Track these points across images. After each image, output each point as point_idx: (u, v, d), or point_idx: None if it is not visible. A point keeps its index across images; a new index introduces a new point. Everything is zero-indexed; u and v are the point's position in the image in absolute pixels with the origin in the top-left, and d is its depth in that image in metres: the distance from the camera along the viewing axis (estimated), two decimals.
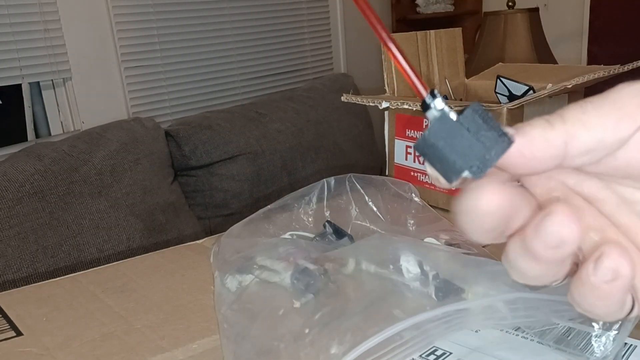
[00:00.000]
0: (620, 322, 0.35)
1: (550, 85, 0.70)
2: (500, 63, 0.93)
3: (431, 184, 0.74)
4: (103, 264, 0.66)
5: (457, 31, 0.87)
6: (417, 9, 2.71)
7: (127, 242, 1.42)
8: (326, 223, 0.60)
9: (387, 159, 0.80)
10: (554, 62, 1.90)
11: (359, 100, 0.71)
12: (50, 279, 0.63)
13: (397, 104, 0.66)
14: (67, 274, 0.64)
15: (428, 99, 0.22)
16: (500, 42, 1.90)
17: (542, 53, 1.89)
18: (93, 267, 0.65)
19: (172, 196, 1.59)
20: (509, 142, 0.21)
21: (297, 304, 0.45)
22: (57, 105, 1.75)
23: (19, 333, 0.51)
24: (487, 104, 0.65)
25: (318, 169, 1.90)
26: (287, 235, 0.60)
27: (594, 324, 0.37)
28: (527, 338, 0.41)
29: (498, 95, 0.77)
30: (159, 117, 1.89)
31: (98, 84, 1.78)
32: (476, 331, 0.43)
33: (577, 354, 0.38)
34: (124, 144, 1.51)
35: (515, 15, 1.89)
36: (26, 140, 1.68)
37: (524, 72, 0.84)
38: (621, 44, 2.29)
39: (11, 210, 1.25)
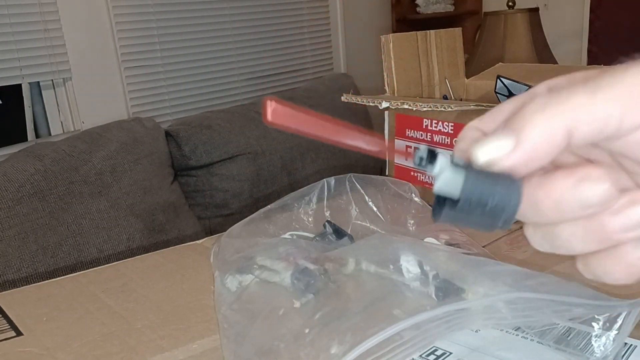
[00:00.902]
0: (620, 322, 0.35)
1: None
2: (500, 63, 0.93)
3: (431, 184, 0.74)
4: (103, 264, 0.66)
5: (457, 31, 0.87)
6: (417, 9, 2.71)
7: (127, 242, 1.42)
8: (326, 223, 0.60)
9: (387, 159, 0.80)
10: (554, 62, 1.90)
11: (359, 100, 0.71)
12: (50, 279, 0.63)
13: (397, 104, 0.66)
14: (67, 274, 0.64)
15: (435, 169, 0.22)
16: (500, 42, 1.90)
17: (542, 53, 1.89)
18: (93, 267, 0.65)
19: (172, 196, 1.59)
20: (519, 184, 0.21)
21: (297, 304, 0.45)
22: (57, 105, 1.75)
23: (19, 333, 0.51)
24: (487, 104, 0.65)
25: (318, 169, 1.90)
26: (287, 235, 0.60)
27: (593, 323, 0.37)
28: (527, 338, 0.41)
29: (498, 95, 0.77)
30: (159, 117, 1.89)
31: (98, 84, 1.78)
32: (476, 331, 0.43)
33: (577, 354, 0.38)
34: (124, 144, 1.51)
35: (515, 15, 1.89)
36: (26, 140, 1.68)
37: (524, 72, 0.84)
38: (621, 44, 2.29)
39: (11, 210, 1.25)
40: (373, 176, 0.63)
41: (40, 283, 0.62)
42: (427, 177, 0.75)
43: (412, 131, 0.75)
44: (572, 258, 0.23)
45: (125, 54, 1.82)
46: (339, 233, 0.59)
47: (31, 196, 1.29)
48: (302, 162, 1.87)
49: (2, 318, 0.54)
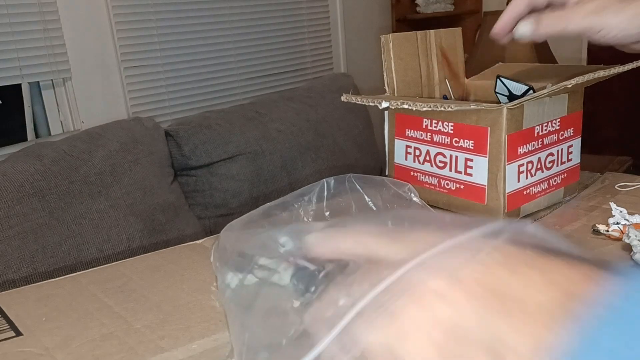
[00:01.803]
0: None
1: (550, 85, 0.70)
2: (500, 63, 0.93)
3: (431, 184, 0.74)
4: (103, 264, 0.66)
5: (457, 31, 0.86)
6: (417, 9, 2.71)
7: (127, 242, 1.42)
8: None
9: (387, 159, 0.80)
10: (554, 61, 1.90)
11: (359, 100, 0.71)
12: (50, 279, 0.63)
13: (397, 104, 0.66)
14: (67, 274, 0.64)
15: None
16: None
17: (542, 53, 1.89)
18: (93, 267, 0.65)
19: (172, 196, 1.59)
20: None
21: (297, 304, 0.45)
22: (57, 105, 1.75)
23: (18, 333, 0.51)
24: (487, 104, 0.65)
25: (318, 169, 1.89)
26: (285, 237, 0.59)
27: None
28: None
29: (498, 95, 0.77)
30: (159, 117, 1.89)
31: (98, 84, 1.78)
32: None
33: None
34: (123, 143, 1.51)
35: None
36: (26, 140, 1.68)
37: (524, 71, 0.84)
38: None
39: (11, 210, 1.25)
40: (373, 176, 0.62)
41: (39, 283, 0.62)
42: (426, 177, 0.75)
43: (412, 131, 0.75)
44: None
45: (125, 53, 1.82)
46: None
47: (31, 196, 1.29)
48: (302, 162, 1.87)
49: (2, 318, 0.54)
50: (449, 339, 0.22)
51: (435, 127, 0.72)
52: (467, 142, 0.68)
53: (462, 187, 0.70)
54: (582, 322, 0.19)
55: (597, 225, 0.65)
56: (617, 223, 0.65)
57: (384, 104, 0.67)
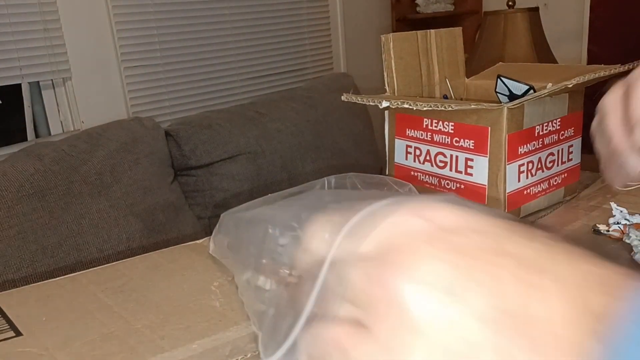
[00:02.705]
0: None
1: (550, 84, 0.70)
2: (500, 62, 0.93)
3: (431, 184, 0.74)
4: (103, 264, 0.66)
5: (457, 31, 0.86)
6: (417, 9, 2.71)
7: (127, 242, 1.41)
8: None
9: (387, 159, 0.80)
10: (554, 61, 1.90)
11: (359, 100, 0.71)
12: (50, 279, 0.63)
13: (397, 104, 0.66)
14: (67, 274, 0.64)
15: None
16: (500, 41, 1.90)
17: (542, 52, 1.89)
18: (93, 267, 0.65)
19: (172, 196, 1.59)
20: None
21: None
22: (57, 105, 1.75)
23: (18, 333, 0.51)
24: (487, 104, 0.65)
25: (318, 168, 1.89)
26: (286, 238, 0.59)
27: None
28: None
29: (498, 94, 0.77)
30: (159, 117, 1.89)
31: (98, 83, 1.78)
32: None
33: None
34: (123, 143, 1.51)
35: (515, 15, 1.89)
36: (26, 140, 1.68)
37: (524, 71, 0.84)
38: (621, 43, 2.28)
39: (11, 210, 1.25)
40: (374, 175, 0.62)
41: (39, 283, 0.62)
42: (426, 176, 0.75)
43: (413, 131, 0.75)
44: None
45: (125, 53, 1.82)
46: None
47: (31, 196, 1.28)
48: (302, 161, 1.87)
49: (2, 318, 0.54)
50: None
51: (435, 126, 0.72)
52: (467, 142, 0.68)
53: (462, 186, 0.70)
54: (610, 344, 0.17)
55: (597, 225, 0.65)
56: (618, 223, 0.65)
57: (384, 104, 0.67)
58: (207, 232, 1.67)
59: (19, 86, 1.62)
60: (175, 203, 1.59)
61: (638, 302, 0.18)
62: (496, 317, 0.19)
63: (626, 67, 0.67)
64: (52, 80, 1.70)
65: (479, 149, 0.67)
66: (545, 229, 0.23)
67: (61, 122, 1.76)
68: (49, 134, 1.74)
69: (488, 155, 0.67)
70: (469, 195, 0.69)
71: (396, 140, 0.78)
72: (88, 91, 1.76)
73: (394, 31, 2.60)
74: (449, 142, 0.70)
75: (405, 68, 0.79)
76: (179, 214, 1.59)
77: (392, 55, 0.78)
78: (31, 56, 1.61)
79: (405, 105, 0.65)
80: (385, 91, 0.79)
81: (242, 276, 0.44)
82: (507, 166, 0.66)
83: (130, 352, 0.47)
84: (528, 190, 0.70)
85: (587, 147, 0.84)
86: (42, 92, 1.72)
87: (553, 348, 0.18)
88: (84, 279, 0.62)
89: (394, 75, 0.78)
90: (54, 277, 0.63)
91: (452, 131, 0.70)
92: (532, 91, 0.70)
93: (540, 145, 0.70)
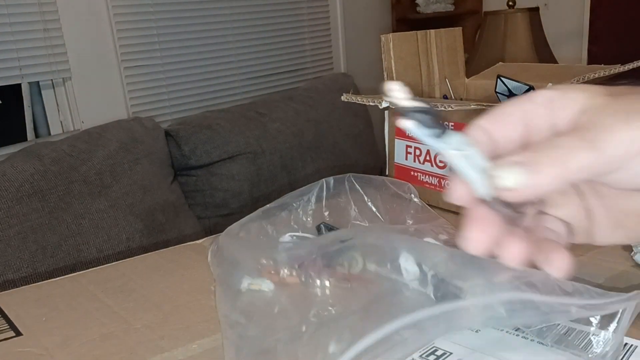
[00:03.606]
0: (617, 319, 0.35)
1: (550, 84, 0.70)
2: (500, 62, 0.93)
3: (431, 184, 0.74)
4: (103, 264, 0.66)
5: (458, 31, 0.86)
6: (417, 9, 2.71)
7: (126, 242, 1.41)
8: (322, 225, 0.59)
9: (387, 159, 0.80)
10: (554, 61, 1.90)
11: (359, 100, 0.71)
12: (49, 279, 0.63)
13: None
14: (67, 274, 0.64)
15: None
16: (500, 41, 1.90)
17: (542, 53, 1.89)
18: (93, 267, 0.65)
19: (172, 196, 1.59)
20: None
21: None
22: (57, 105, 1.75)
23: (18, 333, 0.51)
24: (487, 104, 0.65)
25: (318, 168, 1.89)
26: (287, 237, 0.59)
27: (591, 319, 0.37)
28: (528, 338, 0.41)
29: (498, 95, 0.77)
30: (159, 117, 1.89)
31: (98, 84, 1.78)
32: (477, 331, 0.42)
33: (577, 354, 0.38)
34: (123, 143, 1.51)
35: (515, 15, 1.89)
36: (26, 140, 1.68)
37: (525, 71, 0.84)
38: (621, 43, 2.28)
39: (11, 210, 1.25)
40: (372, 176, 0.62)
41: (39, 283, 0.62)
42: (426, 176, 0.75)
43: None
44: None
45: (125, 53, 1.82)
46: None
47: (31, 196, 1.29)
48: (302, 161, 1.87)
49: (2, 318, 0.54)
50: None
51: None
52: None
53: None
54: None
55: None
56: None
57: (384, 104, 0.67)
58: (207, 232, 1.67)
59: (18, 86, 1.63)
60: (175, 203, 1.59)
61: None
62: None
63: (626, 67, 0.68)
64: (52, 80, 1.70)
65: None
66: None
67: (61, 122, 1.76)
68: (49, 134, 1.74)
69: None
70: None
71: (396, 140, 0.78)
72: (88, 91, 1.76)
73: (394, 31, 2.60)
74: None
75: (405, 68, 0.80)
76: (179, 214, 1.59)
77: (392, 55, 0.78)
78: (31, 56, 1.62)
79: None
80: None
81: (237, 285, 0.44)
82: None
83: (129, 352, 0.47)
84: None
85: None
86: (42, 92, 1.72)
87: None
88: (83, 279, 0.62)
89: (394, 75, 0.78)
90: (54, 277, 0.63)
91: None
92: (532, 91, 0.70)
93: None
